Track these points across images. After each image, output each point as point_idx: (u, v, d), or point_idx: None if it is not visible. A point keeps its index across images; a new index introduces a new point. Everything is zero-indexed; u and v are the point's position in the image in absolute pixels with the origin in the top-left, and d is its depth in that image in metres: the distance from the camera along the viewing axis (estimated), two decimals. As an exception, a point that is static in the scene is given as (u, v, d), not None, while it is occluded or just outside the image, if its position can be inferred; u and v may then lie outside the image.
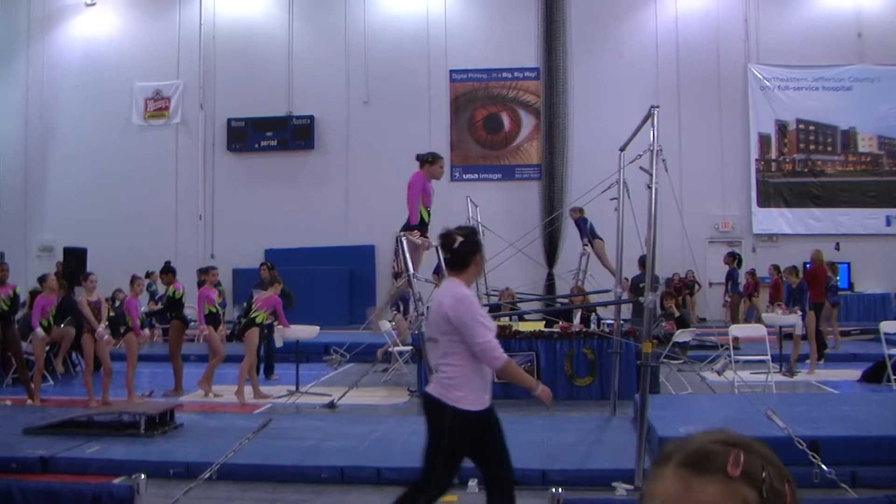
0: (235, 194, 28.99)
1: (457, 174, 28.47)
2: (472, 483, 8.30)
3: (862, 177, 28.22)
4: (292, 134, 28.94)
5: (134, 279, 14.96)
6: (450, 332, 5.76)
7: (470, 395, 5.86)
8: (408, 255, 9.73)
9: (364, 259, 28.25)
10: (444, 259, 6.18)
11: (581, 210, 17.13)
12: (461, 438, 5.88)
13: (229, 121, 29.21)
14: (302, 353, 15.79)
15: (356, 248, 28.08)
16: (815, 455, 7.70)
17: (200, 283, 15.70)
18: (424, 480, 5.95)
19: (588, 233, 17.15)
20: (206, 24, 29.46)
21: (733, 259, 22.91)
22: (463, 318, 5.71)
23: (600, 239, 16.84)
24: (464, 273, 6.00)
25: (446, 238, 6.06)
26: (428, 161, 10.37)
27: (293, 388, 14.60)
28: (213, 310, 14.93)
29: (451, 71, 28.89)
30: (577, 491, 8.08)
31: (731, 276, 22.89)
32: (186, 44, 29.55)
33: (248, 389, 14.20)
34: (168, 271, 16.37)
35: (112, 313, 14.46)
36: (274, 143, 29.09)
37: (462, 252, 5.98)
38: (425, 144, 27.56)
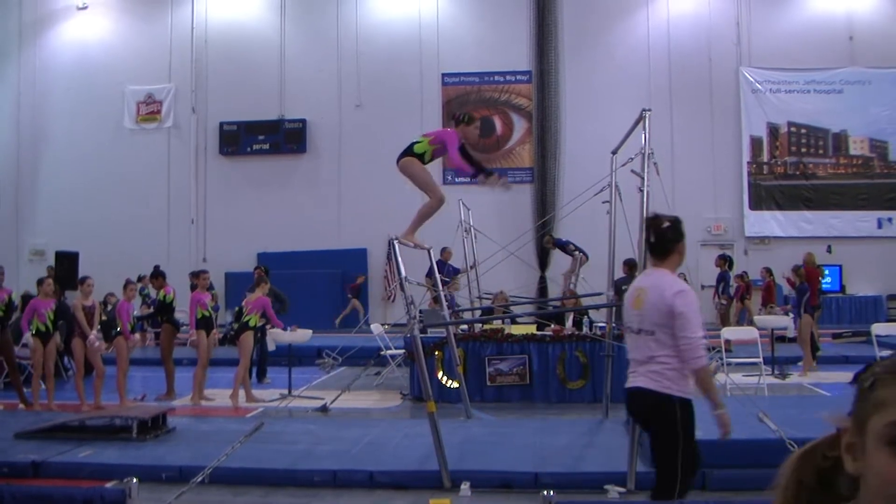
0: (227, 198, 28.98)
1: (449, 177, 28.41)
2: (465, 486, 8.30)
3: (853, 179, 28.30)
4: (284, 137, 28.94)
5: (127, 283, 14.97)
6: (670, 323, 5.66)
7: (689, 384, 5.79)
8: (400, 260, 9.72)
9: (356, 262, 28.24)
10: (648, 244, 6.03)
11: (550, 236, 17.15)
12: (692, 426, 5.81)
13: (221, 124, 29.18)
14: (294, 356, 15.78)
15: (348, 252, 28.07)
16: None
17: (192, 287, 15.68)
18: (668, 480, 5.85)
19: (565, 243, 17.18)
20: (197, 27, 29.45)
21: (724, 261, 22.94)
22: (685, 308, 5.65)
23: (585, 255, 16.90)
24: (666, 261, 5.94)
25: (654, 221, 6.00)
26: (464, 121, 9.73)
27: (285, 391, 14.60)
28: (206, 314, 14.90)
29: (444, 74, 28.90)
30: (570, 494, 8.10)
31: (723, 279, 22.91)
32: (178, 47, 29.52)
33: (240, 393, 14.19)
34: (158, 275, 16.36)
35: (104, 317, 14.45)
36: (266, 146, 29.07)
37: (668, 237, 5.90)
38: (417, 148, 27.60)
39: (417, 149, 9.37)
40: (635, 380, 5.84)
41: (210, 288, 16.30)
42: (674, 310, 5.63)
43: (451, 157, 9.51)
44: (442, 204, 9.52)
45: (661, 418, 5.78)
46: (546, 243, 17.97)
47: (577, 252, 17.64)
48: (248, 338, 14.37)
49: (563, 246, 17.26)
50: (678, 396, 5.70)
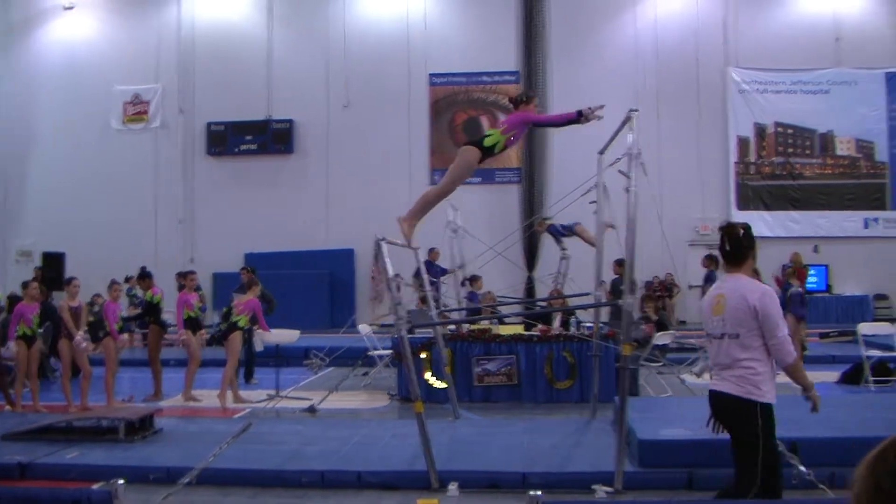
0: (215, 198, 28.95)
1: (437, 178, 28.38)
2: (453, 486, 8.31)
3: (840, 179, 28.42)
4: (272, 138, 28.92)
5: (112, 284, 14.90)
6: (755, 327, 5.90)
7: (772, 389, 6.01)
8: (387, 261, 9.71)
9: (344, 263, 28.26)
10: (724, 251, 6.24)
11: (543, 220, 17.05)
12: (773, 430, 6.00)
13: (209, 125, 29.15)
14: (282, 357, 15.76)
15: (336, 252, 28.08)
16: (795, 456, 7.75)
17: (180, 288, 15.65)
18: (747, 482, 6.00)
19: (563, 232, 17.07)
20: (185, 27, 29.41)
21: (712, 261, 22.85)
22: (770, 310, 5.89)
23: (577, 224, 16.73)
24: (742, 267, 6.18)
25: (730, 229, 6.25)
26: (523, 101, 9.53)
27: (273, 392, 14.57)
28: (193, 314, 14.87)
29: (431, 75, 28.91)
30: (558, 494, 8.11)
31: (710, 279, 22.89)
32: (165, 47, 29.48)
33: (227, 394, 14.17)
34: (145, 277, 16.33)
35: (91, 318, 14.41)
36: (254, 146, 29.05)
37: (743, 244, 6.17)
38: (405, 148, 27.71)
39: (488, 142, 9.12)
40: (719, 384, 6.08)
41: (197, 289, 16.27)
42: (759, 312, 5.88)
43: (542, 121, 10.00)
44: (447, 196, 9.49)
45: (743, 423, 5.96)
46: (537, 227, 17.78)
47: (565, 250, 17.57)
48: (236, 338, 14.35)
49: (555, 234, 17.09)
50: (760, 402, 5.90)
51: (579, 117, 9.00)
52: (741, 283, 6.07)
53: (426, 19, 28.81)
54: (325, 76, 28.92)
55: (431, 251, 18.79)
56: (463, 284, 17.15)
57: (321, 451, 9.72)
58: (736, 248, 6.17)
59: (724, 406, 6.06)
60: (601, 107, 8.95)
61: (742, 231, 6.20)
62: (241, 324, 14.41)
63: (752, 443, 5.91)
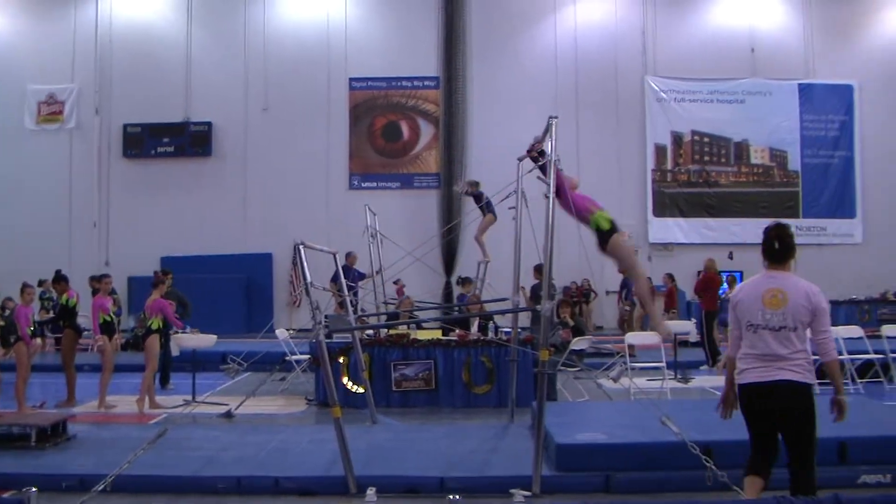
0: (131, 201, 28.55)
1: (355, 182, 28.50)
2: (371, 492, 8.28)
3: (754, 188, 29.00)
4: (190, 140, 28.64)
5: (24, 287, 14.61)
6: (809, 322, 6.44)
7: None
8: (306, 265, 9.67)
9: (261, 267, 28.09)
10: (773, 250, 6.69)
11: (477, 184, 16.84)
12: None
13: (125, 126, 28.75)
14: (199, 361, 15.59)
15: (253, 256, 27.90)
16: (708, 459, 7.87)
17: (94, 292, 15.42)
18: (811, 462, 6.42)
19: (488, 203, 16.93)
20: (102, 27, 28.97)
21: None
22: (825, 308, 6.48)
23: (493, 214, 16.71)
24: (786, 265, 6.69)
25: (780, 230, 6.76)
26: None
27: (189, 397, 14.42)
28: (108, 318, 14.66)
29: (351, 79, 28.88)
30: (476, 498, 8.13)
31: (626, 285, 23.07)
32: (82, 47, 29.00)
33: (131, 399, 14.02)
34: (60, 280, 16.05)
35: (2, 322, 14.14)
36: (171, 149, 28.72)
37: (791, 245, 6.70)
38: (323, 153, 27.65)
39: (606, 226, 9.29)
40: (778, 373, 6.42)
41: (112, 292, 16.05)
42: (818, 308, 6.44)
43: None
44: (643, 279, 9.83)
45: (805, 404, 6.38)
46: (465, 189, 17.41)
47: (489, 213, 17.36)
48: (153, 342, 14.19)
49: (479, 197, 16.92)
50: (813, 385, 6.47)
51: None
52: (798, 281, 6.56)
53: (346, 23, 28.77)
54: (244, 79, 28.73)
55: (349, 255, 18.75)
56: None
57: (238, 456, 9.64)
58: (786, 247, 6.67)
59: (788, 393, 6.38)
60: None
61: (791, 232, 6.77)
62: (153, 326, 14.25)
63: (812, 422, 6.38)
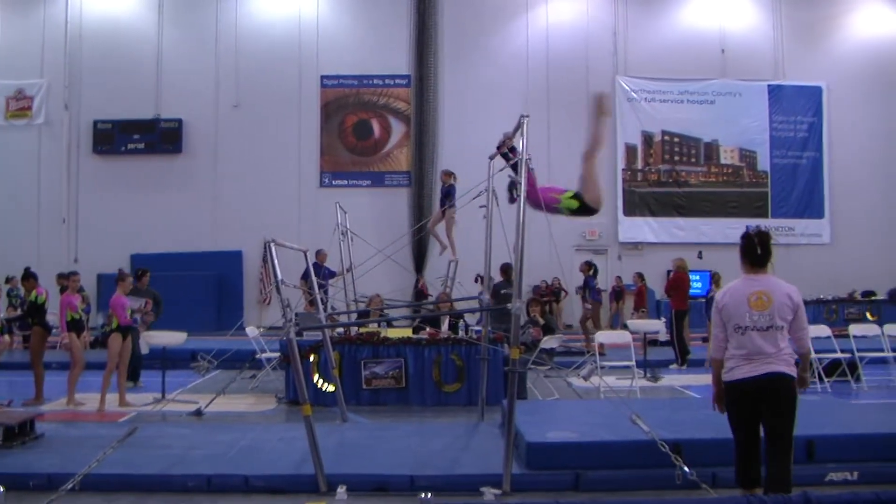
0: (101, 198, 28.39)
1: (326, 180, 28.47)
2: (341, 490, 8.28)
3: (724, 188, 29.20)
4: (160, 137, 28.53)
5: (-8, 284, 14.55)
6: (792, 319, 6.93)
7: None
8: (276, 263, 9.64)
9: (231, 265, 28.01)
10: (754, 254, 7.09)
11: (453, 175, 16.81)
12: None
13: (95, 122, 28.60)
14: (168, 359, 15.54)
15: (223, 254, 27.82)
16: (678, 457, 7.92)
17: (62, 289, 15.33)
18: (790, 456, 6.85)
19: (451, 197, 16.92)
20: (72, 21, 28.81)
21: (589, 268, 22.98)
22: (802, 306, 7.02)
23: (454, 207, 16.71)
24: (766, 267, 7.11)
25: (763, 235, 7.14)
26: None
27: (159, 395, 14.37)
28: (76, 316, 14.57)
29: (322, 76, 28.86)
30: (446, 496, 8.12)
31: (587, 285, 23.00)
32: (51, 42, 28.82)
33: (113, 397, 13.95)
34: (29, 277, 15.94)
35: (-31, 319, 14.05)
36: (141, 146, 28.60)
37: (770, 250, 7.10)
38: (295, 150, 27.60)
39: (576, 204, 9.34)
40: (767, 367, 6.83)
41: (81, 290, 15.96)
42: (799, 306, 6.98)
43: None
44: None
45: (792, 394, 6.86)
46: (444, 178, 17.28)
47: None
48: (113, 340, 14.13)
49: (450, 192, 16.88)
50: (795, 379, 6.96)
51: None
52: (779, 282, 7.04)
53: (318, 21, 28.75)
54: (215, 76, 28.65)
55: (319, 253, 18.72)
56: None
57: (208, 454, 9.60)
58: (767, 252, 7.07)
59: (779, 384, 6.82)
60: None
61: (771, 237, 7.18)
62: (113, 325, 14.20)
63: (794, 411, 6.85)
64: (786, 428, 6.81)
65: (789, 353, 6.92)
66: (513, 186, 9.15)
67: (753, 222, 28.39)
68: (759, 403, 6.83)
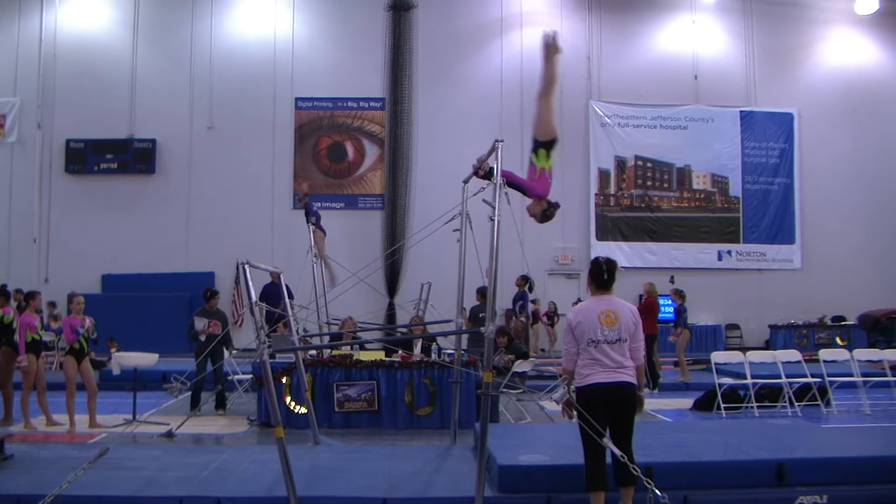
0: (72, 217, 28.24)
1: (300, 202, 28.42)
2: None
3: (696, 213, 29.37)
4: (133, 157, 28.41)
5: (-44, 304, 14.41)
6: (633, 332, 7.99)
7: None
8: (250, 284, 9.63)
9: (204, 286, 27.83)
10: (601, 279, 8.18)
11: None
12: None
13: (68, 141, 28.46)
14: (140, 380, 15.49)
15: (196, 275, 27.64)
16: (650, 480, 7.93)
17: (21, 309, 15.19)
18: (630, 442, 7.88)
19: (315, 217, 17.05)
20: (46, 40, 28.69)
21: (525, 282, 22.49)
22: (640, 322, 8.19)
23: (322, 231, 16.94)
24: (611, 290, 8.19)
25: (611, 264, 8.27)
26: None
27: (130, 416, 14.32)
28: (36, 337, 14.45)
29: (297, 98, 28.84)
30: (417, 520, 8.15)
31: (521, 298, 22.50)
32: (25, 60, 28.70)
33: (83, 419, 13.88)
34: (0, 295, 15.86)
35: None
36: (114, 165, 28.48)
37: (615, 277, 8.24)
38: (268, 171, 27.56)
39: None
40: (619, 376, 7.86)
41: (46, 309, 15.83)
42: (638, 322, 8.10)
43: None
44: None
45: (632, 402, 7.92)
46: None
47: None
48: (67, 362, 14.10)
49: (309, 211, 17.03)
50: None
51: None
52: (622, 302, 8.17)
53: (293, 43, 28.77)
54: (189, 96, 28.59)
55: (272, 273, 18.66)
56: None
57: (179, 477, 9.56)
58: (612, 277, 8.19)
59: (625, 393, 7.84)
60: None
61: (617, 266, 8.41)
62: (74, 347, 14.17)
63: (633, 416, 7.95)
64: (630, 428, 7.91)
65: (630, 365, 7.92)
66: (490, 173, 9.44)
67: (725, 247, 28.82)
68: (610, 406, 7.79)
